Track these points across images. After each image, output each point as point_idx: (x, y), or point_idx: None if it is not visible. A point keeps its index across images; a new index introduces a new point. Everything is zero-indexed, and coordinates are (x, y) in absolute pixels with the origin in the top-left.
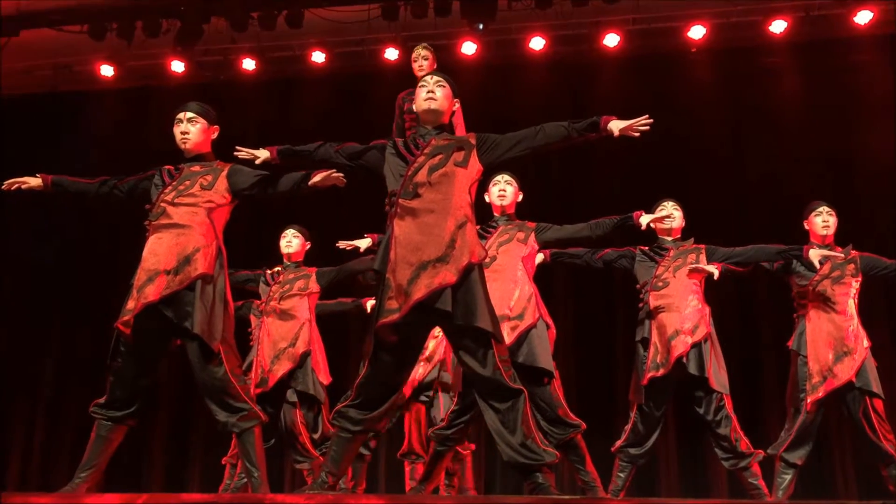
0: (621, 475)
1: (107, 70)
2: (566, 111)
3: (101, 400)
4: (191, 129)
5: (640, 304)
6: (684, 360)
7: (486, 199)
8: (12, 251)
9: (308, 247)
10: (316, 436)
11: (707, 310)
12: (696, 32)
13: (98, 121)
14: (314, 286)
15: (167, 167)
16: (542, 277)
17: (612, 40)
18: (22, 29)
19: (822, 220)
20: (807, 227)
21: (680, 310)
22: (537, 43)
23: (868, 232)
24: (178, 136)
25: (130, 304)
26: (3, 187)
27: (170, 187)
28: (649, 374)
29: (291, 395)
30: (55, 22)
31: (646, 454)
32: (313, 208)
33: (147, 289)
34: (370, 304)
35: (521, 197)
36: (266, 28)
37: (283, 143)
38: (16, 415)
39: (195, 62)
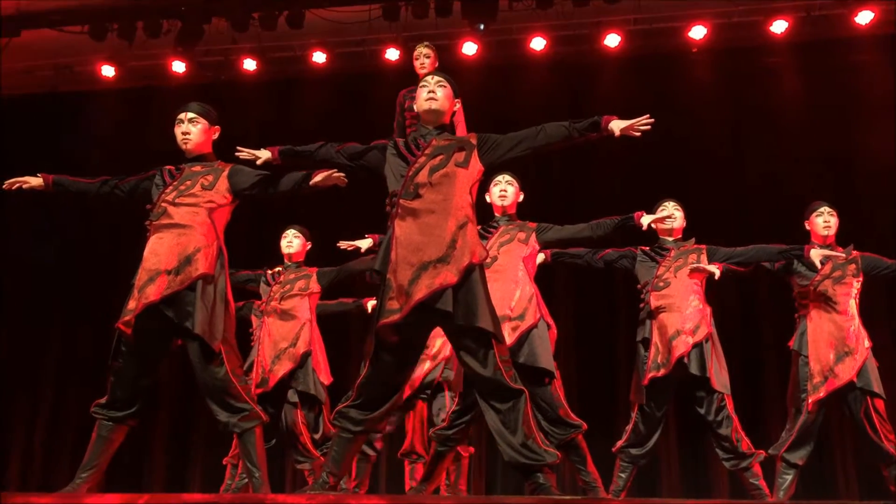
0: (622, 475)
1: (108, 70)
2: (567, 111)
3: (102, 400)
4: (192, 130)
5: (641, 305)
6: (685, 360)
7: (487, 199)
8: (13, 251)
9: (309, 247)
10: (317, 436)
11: (708, 310)
12: (697, 32)
13: (99, 121)
14: (315, 286)
15: (168, 167)
16: (543, 278)
17: (612, 40)
18: (23, 29)
19: (824, 221)
20: (808, 227)
21: (681, 310)
22: (538, 43)
23: (868, 232)
24: (179, 137)
25: (131, 304)
26: (3, 187)
27: (171, 187)
28: (650, 375)
29: (292, 396)
30: (56, 22)
31: (647, 454)
32: (314, 208)
33: (148, 289)
34: (371, 304)
35: (522, 197)
36: (267, 28)
37: (285, 144)
38: (16, 415)
39: (196, 62)
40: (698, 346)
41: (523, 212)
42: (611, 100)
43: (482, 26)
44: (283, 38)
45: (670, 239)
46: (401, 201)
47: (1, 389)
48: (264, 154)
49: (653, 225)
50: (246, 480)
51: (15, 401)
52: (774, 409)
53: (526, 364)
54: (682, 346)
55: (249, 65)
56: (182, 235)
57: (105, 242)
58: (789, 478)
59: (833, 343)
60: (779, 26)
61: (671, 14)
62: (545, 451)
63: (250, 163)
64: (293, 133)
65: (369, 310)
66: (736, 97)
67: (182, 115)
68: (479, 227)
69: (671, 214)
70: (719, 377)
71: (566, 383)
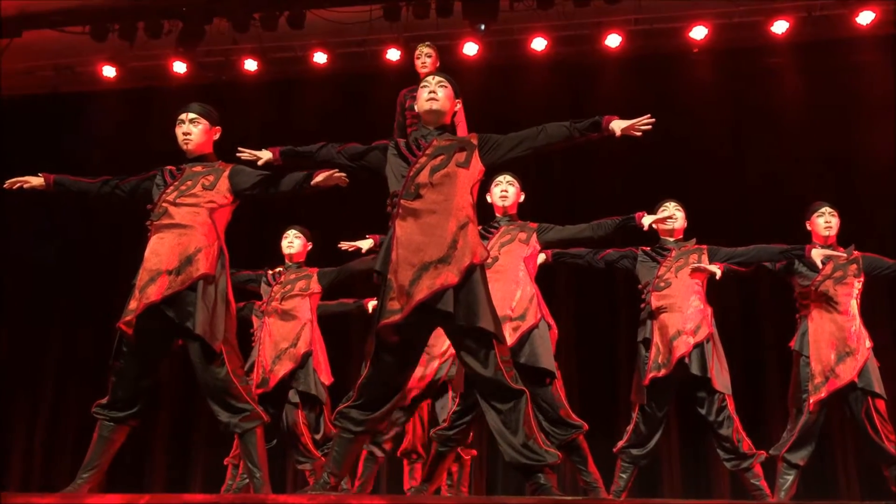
0: (623, 476)
1: (109, 71)
2: (568, 111)
3: (104, 400)
4: (193, 130)
5: (642, 305)
6: (686, 360)
7: (488, 199)
8: (13, 251)
9: (309, 247)
10: (318, 436)
11: (709, 310)
12: (698, 33)
13: (100, 122)
14: (315, 287)
15: (169, 167)
16: (544, 278)
17: (613, 41)
18: (24, 30)
19: (825, 221)
20: (809, 227)
21: (682, 310)
22: (539, 43)
23: (869, 232)
24: (180, 137)
25: (132, 305)
26: (4, 186)
27: (171, 187)
28: (651, 375)
29: (293, 396)
30: (57, 23)
31: (648, 455)
32: (315, 209)
33: (149, 289)
34: (372, 304)
35: (523, 197)
36: (268, 29)
37: (285, 144)
38: (17, 415)
39: (197, 63)
40: (699, 346)
41: (524, 212)
42: (612, 100)
43: (483, 26)
44: (283, 39)
45: (671, 239)
46: (402, 202)
47: (1, 389)
48: (265, 155)
49: (654, 225)
50: (247, 481)
51: (15, 401)
52: (775, 410)
53: (527, 364)
54: (682, 346)
55: (250, 65)
56: (183, 235)
57: (105, 242)
58: (790, 478)
59: (834, 343)
60: (780, 26)
61: (672, 14)
62: (546, 452)
63: (251, 163)
64: (294, 133)
65: (370, 310)
66: (737, 97)
67: (183, 116)
68: (479, 227)
69: (672, 215)
70: (720, 377)
71: (567, 383)
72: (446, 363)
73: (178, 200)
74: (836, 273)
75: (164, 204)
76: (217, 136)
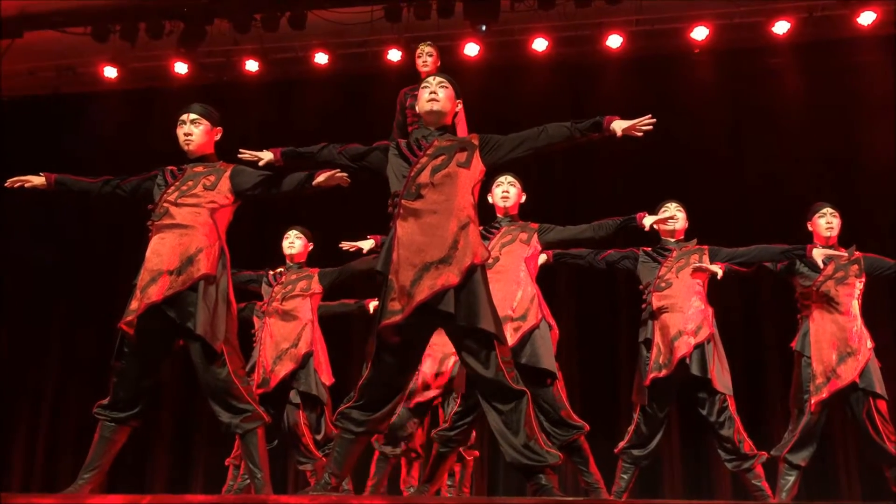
0: (625, 476)
1: (110, 72)
2: (569, 112)
3: (105, 401)
4: (194, 131)
5: (643, 305)
6: (687, 360)
7: (490, 199)
8: (13, 251)
9: (310, 248)
10: (319, 437)
11: (710, 310)
12: (699, 33)
13: (101, 122)
14: (316, 287)
15: (170, 167)
16: (545, 278)
17: (614, 41)
18: (25, 30)
19: (826, 222)
20: (810, 228)
21: (683, 310)
22: (540, 44)
23: (869, 232)
24: (182, 138)
25: (134, 305)
26: (6, 185)
27: (173, 187)
28: (652, 375)
29: (294, 397)
30: (58, 23)
31: (649, 455)
32: (316, 209)
33: (150, 289)
34: (373, 305)
35: (524, 198)
36: (269, 29)
37: (286, 145)
38: (18, 415)
39: (198, 64)
40: (700, 346)
41: (525, 212)
42: (613, 100)
43: (484, 27)
44: (284, 39)
45: (672, 240)
46: (403, 202)
47: (2, 390)
48: (266, 155)
49: (655, 226)
50: (248, 481)
51: (16, 401)
52: (776, 410)
53: (528, 365)
54: (683, 346)
55: (251, 66)
56: (184, 236)
57: (106, 242)
58: (792, 479)
59: (835, 344)
60: (781, 27)
61: (673, 15)
62: (547, 453)
63: (252, 164)
64: (295, 134)
65: (371, 311)
66: (737, 98)
67: (184, 117)
68: (480, 227)
69: (673, 215)
70: (721, 378)
71: (568, 384)
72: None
73: (179, 200)
74: (837, 273)
75: (165, 204)
76: (218, 137)
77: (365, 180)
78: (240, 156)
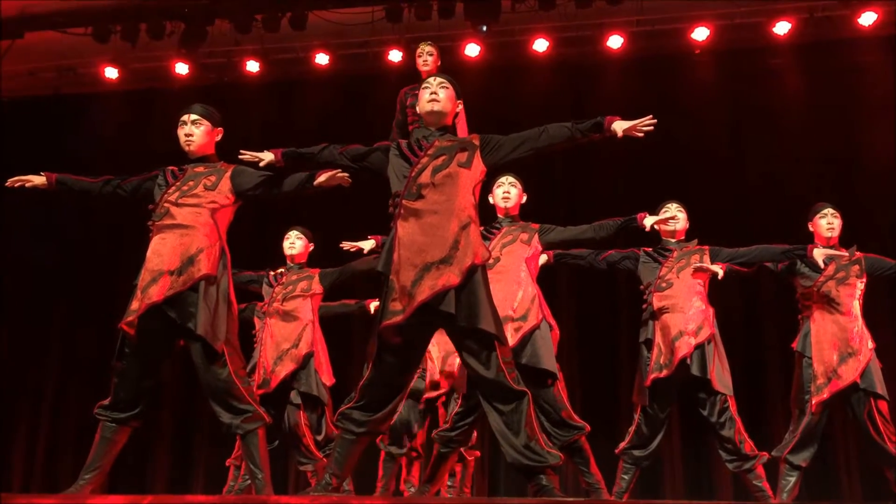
0: (625, 477)
1: (111, 72)
2: (570, 112)
3: (106, 401)
4: (195, 132)
5: (644, 306)
6: (688, 361)
7: (491, 200)
8: (13, 251)
9: (311, 248)
10: (320, 437)
11: (711, 311)
12: (700, 34)
13: (102, 123)
14: (317, 287)
15: (171, 168)
16: (546, 278)
17: (615, 42)
18: (26, 31)
19: (827, 223)
20: (811, 228)
21: (684, 311)
22: (541, 44)
23: (869, 232)
24: (182, 139)
25: (134, 305)
26: (7, 184)
27: (173, 188)
28: (652, 376)
29: (295, 397)
30: (59, 24)
31: (650, 456)
32: (317, 209)
33: (151, 289)
34: (373, 305)
35: (525, 198)
36: (270, 30)
37: (287, 145)
38: (19, 415)
39: (199, 64)
40: (700, 347)
41: (526, 213)
42: (613, 101)
43: (485, 28)
44: (285, 40)
45: (673, 240)
46: (403, 202)
47: (2, 390)
48: (267, 156)
49: (656, 226)
50: (249, 482)
51: (16, 401)
52: (777, 411)
53: (528, 365)
54: (684, 347)
55: (252, 66)
56: (185, 236)
57: (106, 242)
58: (793, 479)
59: (836, 344)
60: (781, 27)
61: (674, 15)
62: (548, 453)
63: (253, 164)
64: (296, 135)
65: (372, 311)
66: (738, 98)
67: (185, 117)
68: (481, 228)
69: (674, 216)
70: (721, 378)
71: (569, 385)
72: None
73: (180, 201)
74: (838, 274)
75: (165, 204)
76: (219, 138)
77: (366, 181)
78: (240, 157)
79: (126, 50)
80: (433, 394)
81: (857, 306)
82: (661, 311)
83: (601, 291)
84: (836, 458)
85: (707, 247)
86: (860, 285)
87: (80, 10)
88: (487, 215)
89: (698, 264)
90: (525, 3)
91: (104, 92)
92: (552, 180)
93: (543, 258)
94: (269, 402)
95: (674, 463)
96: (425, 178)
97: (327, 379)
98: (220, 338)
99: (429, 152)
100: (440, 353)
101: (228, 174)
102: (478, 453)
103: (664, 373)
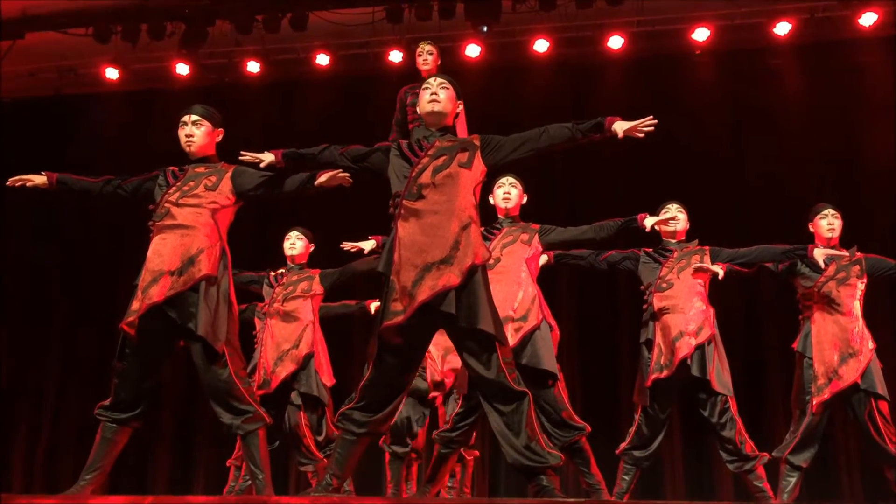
0: (626, 478)
1: (111, 73)
2: (570, 113)
3: (106, 402)
4: (195, 132)
5: (645, 306)
6: (688, 361)
7: (491, 200)
8: (13, 251)
9: (312, 249)
10: (320, 438)
11: (711, 311)
12: (701, 34)
13: (103, 124)
14: (318, 288)
15: (171, 168)
16: (546, 279)
17: (616, 42)
18: (26, 32)
19: (828, 223)
20: (812, 229)
21: (684, 311)
22: (541, 45)
23: (870, 233)
24: (183, 139)
25: (135, 305)
26: (7, 184)
27: (174, 188)
28: (653, 376)
29: (296, 398)
30: (60, 25)
31: (650, 457)
32: (317, 210)
33: (151, 290)
34: (374, 306)
35: (525, 199)
36: (270, 31)
37: (288, 146)
38: (19, 415)
39: (200, 65)
40: (700, 347)
41: (526, 213)
42: (614, 101)
43: (485, 28)
44: (286, 41)
45: (673, 241)
46: (404, 202)
47: (2, 390)
48: (267, 157)
49: (656, 227)
50: (249, 482)
51: (16, 401)
52: (778, 412)
53: (529, 366)
54: (685, 347)
55: (253, 67)
56: (185, 236)
57: (106, 243)
58: (793, 480)
59: (837, 345)
60: (782, 28)
61: (674, 16)
62: (548, 454)
63: (254, 165)
64: (296, 135)
65: (372, 311)
66: (738, 99)
67: (186, 118)
68: (482, 228)
69: (674, 216)
70: (721, 379)
71: (569, 385)
72: None
73: (180, 201)
74: (839, 274)
75: (166, 204)
76: (220, 138)
77: (366, 181)
78: (241, 157)
79: (127, 50)
80: (437, 393)
81: (857, 307)
82: (662, 311)
83: (601, 292)
84: (836, 458)
85: (707, 247)
86: (861, 286)
87: (80, 11)
88: (488, 216)
89: (699, 265)
90: (525, 4)
91: (105, 92)
92: (552, 181)
93: (544, 259)
94: (270, 403)
95: (674, 463)
96: (426, 178)
97: (328, 379)
98: (221, 338)
99: (429, 152)
100: (439, 351)
101: (229, 175)
102: (477, 453)
103: (665, 373)
